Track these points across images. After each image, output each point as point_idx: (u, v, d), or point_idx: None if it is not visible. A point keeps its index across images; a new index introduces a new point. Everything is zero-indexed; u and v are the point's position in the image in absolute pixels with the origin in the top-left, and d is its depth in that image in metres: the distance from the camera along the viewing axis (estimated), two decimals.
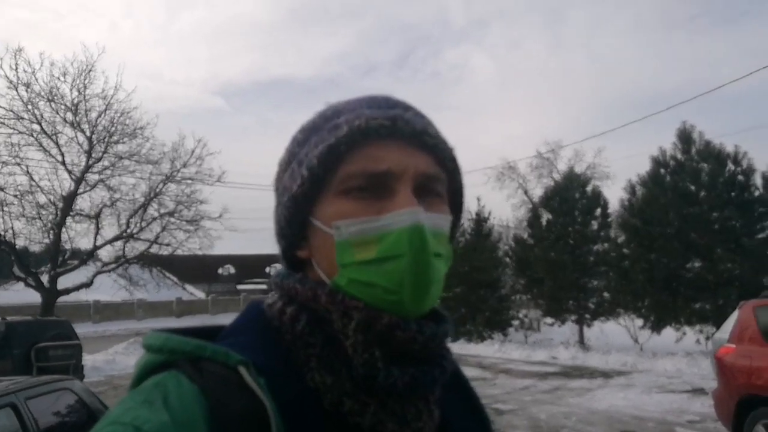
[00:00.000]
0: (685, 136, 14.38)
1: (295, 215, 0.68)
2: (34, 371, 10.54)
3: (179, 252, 19.19)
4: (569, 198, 16.61)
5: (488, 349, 16.84)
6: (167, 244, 18.55)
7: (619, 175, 41.85)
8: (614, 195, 35.13)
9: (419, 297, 0.63)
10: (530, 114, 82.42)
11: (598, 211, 16.50)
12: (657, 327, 14.05)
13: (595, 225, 16.47)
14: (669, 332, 13.97)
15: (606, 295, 15.95)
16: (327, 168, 0.65)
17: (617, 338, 15.19)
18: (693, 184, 13.91)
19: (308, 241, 0.69)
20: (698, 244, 13.37)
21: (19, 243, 17.25)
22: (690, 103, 28.27)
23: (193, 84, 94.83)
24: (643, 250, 14.02)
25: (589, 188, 17.02)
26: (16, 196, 16.83)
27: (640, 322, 14.67)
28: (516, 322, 18.69)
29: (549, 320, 17.41)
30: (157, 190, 18.06)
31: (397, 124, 0.65)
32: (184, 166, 18.39)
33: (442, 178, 0.69)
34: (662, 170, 14.49)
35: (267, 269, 38.09)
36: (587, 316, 16.16)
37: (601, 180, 35.40)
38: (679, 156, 14.43)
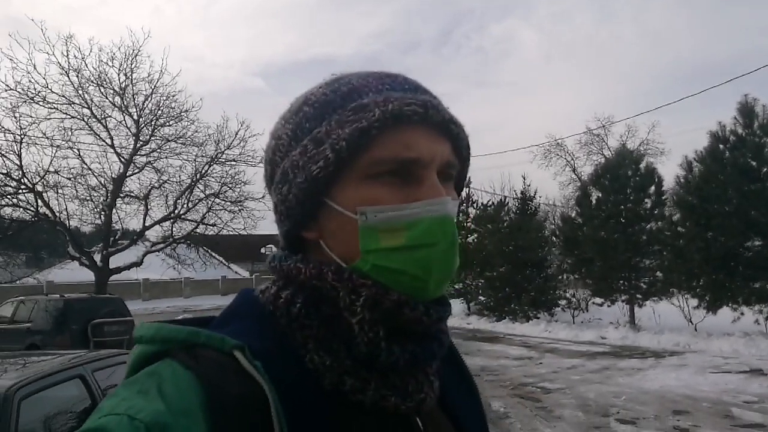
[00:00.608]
0: (746, 110, 13.59)
1: (311, 196, 0.65)
2: (91, 346, 11.00)
3: (224, 232, 19.60)
4: (621, 175, 16.00)
5: (534, 329, 16.59)
6: (213, 225, 19.01)
7: (674, 152, 40.10)
8: (668, 172, 33.78)
9: (442, 283, 0.65)
10: (579, 89, 79.90)
11: (652, 188, 15.84)
12: (713, 307, 13.49)
13: (648, 203, 15.84)
14: (725, 312, 13.39)
15: (659, 274, 15.41)
16: (354, 151, 0.62)
17: (669, 318, 14.68)
18: (754, 160, 13.17)
19: (317, 222, 0.67)
20: (759, 222, 12.71)
21: (72, 224, 18.00)
22: (752, 75, 26.54)
23: (233, 66, 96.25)
24: (700, 228, 13.42)
25: (642, 165, 16.35)
26: (69, 178, 17.53)
27: (694, 302, 14.13)
28: (563, 302, 18.34)
29: (597, 300, 16.97)
30: (203, 171, 18.49)
31: (429, 111, 0.64)
32: (228, 147, 18.73)
33: (456, 166, 0.70)
34: (721, 146, 13.76)
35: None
36: (638, 296, 15.66)
37: (655, 156, 34.28)
38: (739, 131, 13.65)
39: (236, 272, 29.64)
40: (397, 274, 0.63)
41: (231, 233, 19.41)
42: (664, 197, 15.82)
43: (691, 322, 14.32)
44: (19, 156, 16.36)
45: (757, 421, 6.64)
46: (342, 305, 0.63)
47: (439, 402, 0.70)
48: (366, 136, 0.62)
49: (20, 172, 16.38)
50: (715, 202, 13.27)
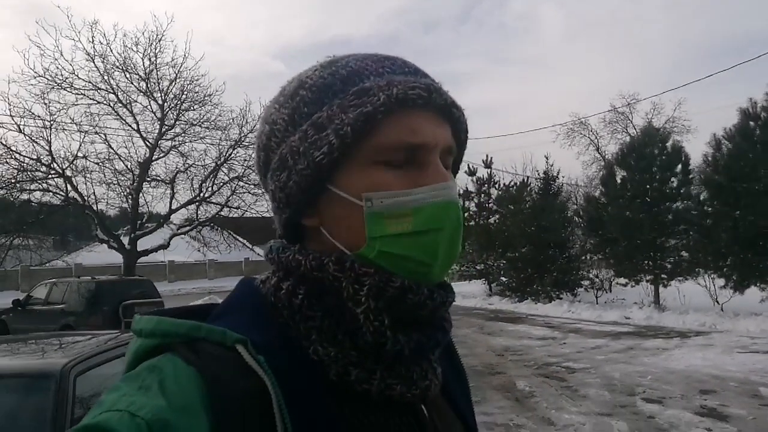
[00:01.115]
0: None
1: (313, 183, 0.63)
2: (122, 326, 11.29)
3: (248, 214, 19.83)
4: (647, 154, 15.75)
5: (556, 310, 16.57)
6: (237, 207, 19.22)
7: (700, 129, 39.22)
8: (695, 150, 33.11)
9: (446, 267, 0.65)
10: (602, 67, 78.64)
11: (679, 167, 15.56)
12: (740, 287, 13.34)
13: (674, 182, 15.60)
14: (753, 292, 13.24)
15: (684, 254, 15.25)
16: (358, 136, 0.61)
17: (694, 298, 14.55)
18: None
19: (318, 209, 0.66)
20: None
21: (102, 207, 18.38)
22: None
23: (252, 48, 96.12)
24: (728, 207, 13.21)
25: (669, 143, 16.07)
26: (97, 163, 17.84)
27: (720, 281, 13.98)
28: (586, 282, 18.26)
29: (622, 281, 16.87)
30: (227, 155, 18.65)
31: (432, 95, 0.63)
32: (251, 131, 18.83)
33: (455, 150, 0.70)
34: (752, 123, 13.46)
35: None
36: (663, 276, 15.54)
37: (681, 134, 33.63)
38: None
39: (258, 254, 30.06)
40: (403, 260, 0.62)
41: (254, 215, 19.65)
42: (690, 176, 15.55)
43: (717, 302, 14.18)
44: (49, 142, 16.72)
45: None
46: (346, 295, 0.62)
47: (441, 388, 0.70)
48: (371, 120, 0.61)
49: (50, 157, 16.72)
50: (744, 180, 13.01)
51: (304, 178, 0.63)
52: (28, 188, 17.09)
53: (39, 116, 16.68)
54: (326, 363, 0.61)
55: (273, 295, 0.65)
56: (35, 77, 16.54)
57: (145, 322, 0.61)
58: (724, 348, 9.76)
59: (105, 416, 0.49)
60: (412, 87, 0.62)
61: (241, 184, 18.70)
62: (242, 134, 18.70)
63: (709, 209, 14.12)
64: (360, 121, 0.60)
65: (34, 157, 16.68)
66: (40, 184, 17.14)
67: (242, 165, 18.65)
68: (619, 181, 16.55)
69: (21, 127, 16.35)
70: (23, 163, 16.67)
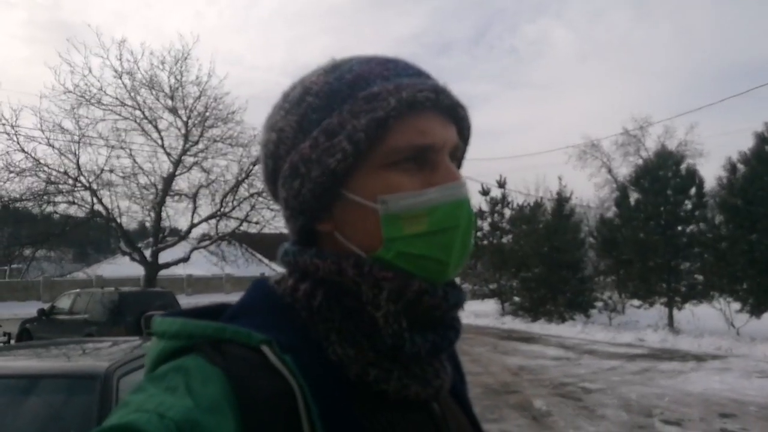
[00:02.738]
0: None
1: (328, 189, 0.64)
2: (144, 336, 11.51)
3: (266, 230, 20.11)
4: (661, 177, 15.87)
5: (570, 330, 16.56)
6: (256, 223, 19.50)
7: (712, 153, 39.16)
8: (707, 173, 33.16)
9: (460, 264, 0.67)
10: (614, 90, 78.78)
11: (693, 190, 15.65)
12: (756, 311, 13.30)
13: (688, 205, 15.68)
14: None
15: (699, 277, 15.24)
16: (372, 141, 0.62)
17: (709, 322, 14.47)
18: None
19: (332, 214, 0.66)
20: None
21: (124, 221, 18.78)
22: None
23: (271, 68, 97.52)
24: (744, 230, 13.25)
25: (683, 166, 16.18)
26: (122, 177, 18.28)
27: (736, 305, 13.93)
28: (599, 304, 18.26)
29: (635, 303, 16.85)
30: (248, 171, 18.99)
31: (440, 96, 0.65)
32: None
33: (461, 148, 0.72)
34: (767, 147, 13.56)
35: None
36: (677, 298, 15.52)
37: (694, 158, 33.46)
38: None
39: (274, 270, 30.29)
40: (422, 259, 0.63)
41: (273, 232, 19.93)
42: (704, 199, 15.61)
43: (733, 325, 14.11)
44: (77, 156, 17.19)
45: None
46: (365, 299, 0.63)
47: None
48: (383, 125, 0.61)
49: (77, 171, 17.19)
50: (760, 204, 13.06)
51: (318, 185, 0.63)
52: (54, 200, 17.55)
53: (68, 131, 17.25)
54: (345, 363, 0.61)
55: (290, 296, 0.66)
56: (65, 93, 17.12)
57: (168, 324, 0.61)
58: (741, 372, 9.74)
59: (134, 416, 0.49)
60: (420, 90, 0.63)
61: (261, 199, 19.01)
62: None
63: (724, 232, 14.13)
64: (373, 127, 0.61)
65: (62, 170, 17.17)
66: (66, 196, 17.61)
67: (262, 181, 18.92)
68: (632, 202, 16.64)
69: (50, 140, 16.90)
70: (51, 176, 17.17)
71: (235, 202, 19.25)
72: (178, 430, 0.48)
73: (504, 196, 23.04)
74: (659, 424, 6.83)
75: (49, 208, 17.59)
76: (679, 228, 15.67)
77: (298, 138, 0.65)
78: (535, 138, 79.95)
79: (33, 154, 16.79)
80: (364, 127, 0.61)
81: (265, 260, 26.12)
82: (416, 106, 0.63)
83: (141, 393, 0.53)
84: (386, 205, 0.63)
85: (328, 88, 0.65)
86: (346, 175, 0.63)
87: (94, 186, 17.55)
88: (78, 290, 14.23)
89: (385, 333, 0.62)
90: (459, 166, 0.73)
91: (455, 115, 0.68)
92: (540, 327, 17.78)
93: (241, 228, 19.52)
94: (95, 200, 17.59)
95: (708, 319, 14.61)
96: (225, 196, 19.08)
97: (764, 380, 9.12)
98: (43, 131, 16.83)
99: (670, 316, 15.59)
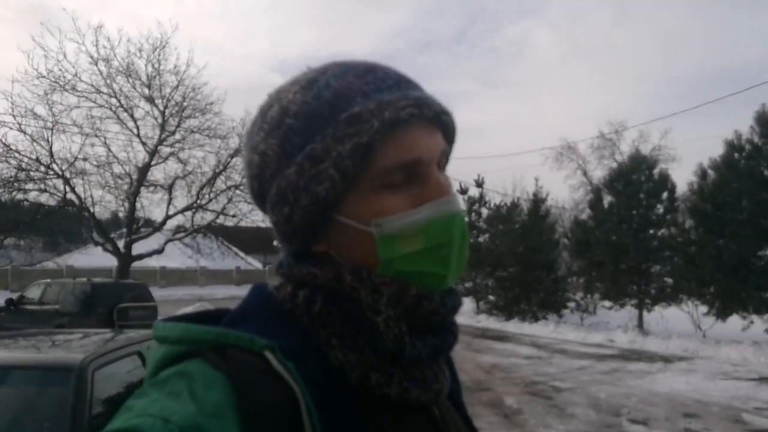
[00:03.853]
0: (764, 120, 13.71)
1: (320, 216, 0.63)
2: (116, 328, 11.35)
3: (243, 223, 19.94)
4: (634, 180, 16.20)
5: (542, 330, 16.83)
6: (233, 216, 19.35)
7: (685, 158, 40.11)
8: (680, 178, 34.02)
9: (459, 273, 0.67)
10: (592, 93, 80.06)
11: (665, 194, 16.00)
12: (722, 314, 13.67)
13: (660, 209, 16.03)
14: (735, 320, 13.56)
15: (668, 280, 15.60)
16: (358, 167, 0.61)
17: (677, 324, 14.86)
18: None
19: (326, 236, 0.66)
20: None
21: (97, 211, 18.43)
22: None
23: (252, 58, 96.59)
24: (712, 235, 13.58)
25: (656, 171, 16.53)
26: (96, 166, 17.93)
27: (704, 308, 14.30)
28: (572, 304, 18.57)
29: (607, 304, 17.18)
30: (225, 163, 18.81)
31: (423, 110, 0.63)
32: None
33: (448, 151, 0.71)
34: (736, 154, 13.90)
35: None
36: (647, 300, 15.88)
37: (667, 162, 34.30)
38: (756, 140, 13.80)
39: (250, 263, 30.07)
40: (420, 276, 0.64)
41: (249, 225, 19.78)
42: (676, 203, 15.96)
43: (699, 328, 14.48)
44: (50, 143, 16.79)
45: None
46: (364, 304, 0.63)
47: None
48: (369, 150, 0.60)
49: (50, 158, 16.79)
50: (728, 210, 13.39)
51: (309, 213, 0.63)
52: (24, 188, 17.15)
53: (41, 116, 16.85)
54: (347, 368, 0.61)
55: (290, 302, 0.65)
56: (38, 77, 16.72)
57: (169, 329, 0.60)
58: (706, 374, 10.00)
59: (138, 420, 0.49)
60: (402, 106, 0.62)
61: (238, 192, 18.86)
62: (242, 144, 18.87)
63: (694, 237, 14.47)
64: (359, 153, 0.60)
65: (34, 157, 16.77)
66: (37, 184, 17.22)
67: (240, 174, 18.80)
68: (606, 205, 16.93)
69: (22, 126, 16.49)
70: (22, 162, 16.76)
71: (212, 195, 19.08)
72: None
73: (482, 196, 23.24)
74: (626, 423, 6.99)
75: (20, 196, 17.21)
76: (651, 231, 16.00)
77: (282, 162, 0.64)
78: (514, 138, 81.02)
79: (3, 140, 16.42)
80: (349, 153, 0.60)
81: (241, 254, 25.91)
82: (400, 124, 0.61)
83: (144, 397, 0.53)
84: (381, 227, 0.62)
85: (306, 110, 0.63)
86: (336, 201, 0.62)
87: (67, 174, 17.21)
88: (49, 280, 13.92)
89: (387, 337, 0.62)
90: (444, 165, 0.72)
91: (440, 123, 0.67)
92: (513, 326, 18.03)
93: (218, 221, 19.33)
94: (68, 189, 17.25)
95: (676, 321, 15.00)
96: (202, 188, 18.88)
97: (728, 382, 9.40)
98: (14, 116, 16.46)
99: (640, 318, 15.94)
